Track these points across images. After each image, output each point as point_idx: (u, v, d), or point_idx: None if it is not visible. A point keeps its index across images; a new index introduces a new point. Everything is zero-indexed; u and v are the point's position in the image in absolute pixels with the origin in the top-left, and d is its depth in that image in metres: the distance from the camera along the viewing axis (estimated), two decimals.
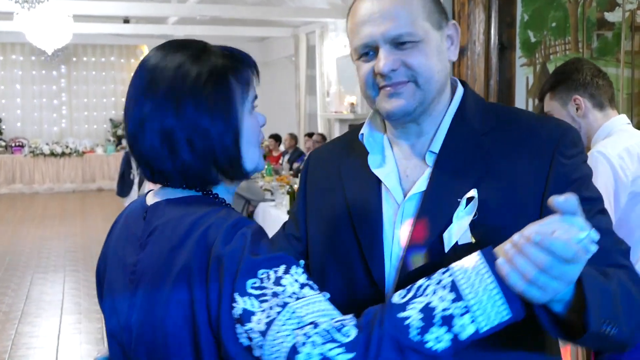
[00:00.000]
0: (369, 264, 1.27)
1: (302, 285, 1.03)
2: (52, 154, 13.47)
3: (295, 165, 9.25)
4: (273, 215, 5.83)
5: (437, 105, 1.29)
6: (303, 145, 10.54)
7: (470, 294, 0.95)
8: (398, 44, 1.23)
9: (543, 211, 1.17)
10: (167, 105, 1.12)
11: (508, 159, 1.22)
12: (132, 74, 1.20)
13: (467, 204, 1.19)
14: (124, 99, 1.23)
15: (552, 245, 0.90)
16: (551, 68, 3.03)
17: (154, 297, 1.12)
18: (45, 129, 14.07)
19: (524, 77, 3.01)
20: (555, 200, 0.93)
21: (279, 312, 1.00)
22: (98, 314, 5.31)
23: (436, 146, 1.28)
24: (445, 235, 1.19)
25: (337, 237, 1.34)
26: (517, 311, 0.96)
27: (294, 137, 10.48)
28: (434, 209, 1.22)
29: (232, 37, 12.99)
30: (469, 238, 1.18)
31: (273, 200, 6.25)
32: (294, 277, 1.03)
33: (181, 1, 10.64)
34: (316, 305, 1.01)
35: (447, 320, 0.94)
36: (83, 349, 4.77)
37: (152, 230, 1.17)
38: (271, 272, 1.03)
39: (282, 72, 13.37)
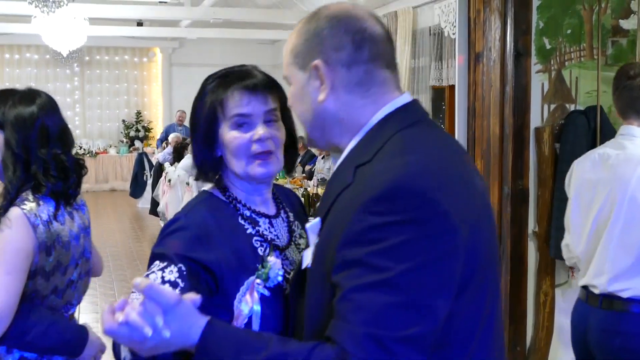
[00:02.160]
0: None
1: (164, 282, 1.28)
2: None
3: (307, 167, 9.31)
4: None
5: (334, 139, 1.27)
6: None
7: None
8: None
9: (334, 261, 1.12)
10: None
11: (345, 196, 1.16)
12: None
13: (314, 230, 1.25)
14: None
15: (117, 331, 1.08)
16: (566, 75, 3.09)
17: None
18: None
19: (539, 83, 3.06)
20: (136, 282, 1.08)
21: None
22: None
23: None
24: (303, 255, 1.28)
25: None
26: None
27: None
28: (307, 231, 1.30)
29: (245, 40, 13.08)
30: (310, 262, 1.23)
31: None
32: (162, 274, 1.30)
33: (194, 4, 10.73)
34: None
35: None
36: None
37: None
38: (155, 264, 1.33)
39: None
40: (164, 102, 14.30)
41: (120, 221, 10.24)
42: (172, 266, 1.30)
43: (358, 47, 1.22)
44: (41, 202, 1.87)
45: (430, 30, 7.82)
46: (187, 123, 8.75)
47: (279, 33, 12.52)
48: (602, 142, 3.06)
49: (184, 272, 1.30)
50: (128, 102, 14.50)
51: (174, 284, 1.28)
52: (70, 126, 1.99)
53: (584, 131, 3.02)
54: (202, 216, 1.41)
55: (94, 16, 9.41)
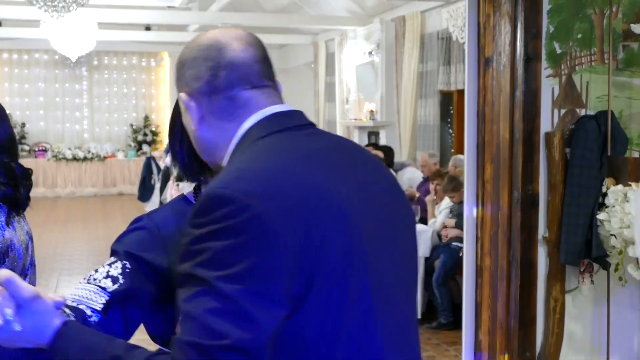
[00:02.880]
0: None
1: (107, 277, 1.33)
2: (74, 158, 13.66)
3: None
4: None
5: (220, 161, 1.28)
6: None
7: None
8: None
9: None
10: None
11: None
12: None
13: None
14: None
15: None
16: (577, 79, 3.07)
17: None
18: (67, 137, 14.23)
19: (549, 88, 3.05)
20: None
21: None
22: None
23: None
24: None
25: None
26: None
27: None
28: None
29: None
30: None
31: None
32: (108, 269, 1.34)
33: (202, 9, 10.77)
34: (80, 291, 1.31)
35: None
36: None
37: None
38: (110, 258, 1.36)
39: (302, 79, 13.46)
40: (172, 107, 14.34)
41: (128, 224, 10.26)
42: (119, 262, 1.35)
43: (215, 76, 1.24)
44: None
45: (438, 35, 7.82)
46: None
47: (286, 37, 12.55)
48: (612, 147, 3.05)
49: (127, 270, 1.34)
50: (136, 107, 14.55)
51: (114, 279, 1.32)
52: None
53: (595, 136, 3.01)
54: (165, 219, 1.43)
55: (102, 21, 9.46)
